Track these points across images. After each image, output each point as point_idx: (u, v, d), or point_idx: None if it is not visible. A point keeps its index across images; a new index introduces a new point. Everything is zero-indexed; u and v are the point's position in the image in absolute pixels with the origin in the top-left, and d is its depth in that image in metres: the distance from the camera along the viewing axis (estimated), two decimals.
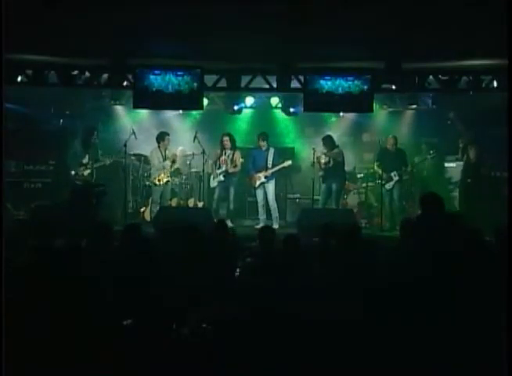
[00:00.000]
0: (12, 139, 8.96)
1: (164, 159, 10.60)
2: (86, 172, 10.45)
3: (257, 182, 10.52)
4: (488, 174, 10.23)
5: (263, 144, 10.54)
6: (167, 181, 10.62)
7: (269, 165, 10.47)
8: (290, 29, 7.16)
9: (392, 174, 10.36)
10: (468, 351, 3.38)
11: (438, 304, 3.67)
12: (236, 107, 11.39)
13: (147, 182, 11.00)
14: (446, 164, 11.50)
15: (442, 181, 11.27)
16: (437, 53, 8.50)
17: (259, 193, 10.58)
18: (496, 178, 9.99)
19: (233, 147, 10.61)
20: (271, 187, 10.52)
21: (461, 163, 10.90)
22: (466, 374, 3.34)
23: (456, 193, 10.89)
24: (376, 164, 10.60)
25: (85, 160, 10.46)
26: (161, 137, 10.62)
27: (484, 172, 10.31)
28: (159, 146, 10.62)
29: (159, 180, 10.55)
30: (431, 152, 11.09)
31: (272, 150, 10.56)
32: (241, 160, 10.66)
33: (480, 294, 3.76)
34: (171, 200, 10.86)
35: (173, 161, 10.62)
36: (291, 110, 11.25)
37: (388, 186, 10.40)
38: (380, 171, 10.46)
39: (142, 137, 11.00)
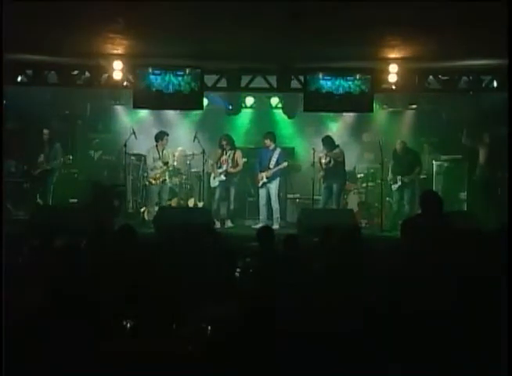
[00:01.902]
0: (13, 139, 8.99)
1: (160, 158, 10.47)
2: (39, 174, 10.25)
3: (260, 182, 10.52)
4: (496, 174, 10.14)
5: (269, 144, 10.51)
6: (164, 180, 10.49)
7: (271, 165, 10.45)
8: (290, 29, 7.15)
9: (398, 177, 10.33)
10: (469, 350, 3.38)
11: (438, 305, 3.67)
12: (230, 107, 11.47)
13: (147, 182, 10.96)
14: (450, 165, 11.43)
15: (446, 182, 11.22)
16: (437, 53, 8.50)
17: (261, 193, 10.56)
18: (504, 178, 9.92)
19: (233, 147, 10.58)
20: (273, 187, 10.48)
21: (465, 163, 10.89)
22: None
23: (462, 194, 10.89)
24: (390, 166, 10.50)
25: (41, 159, 10.27)
26: (160, 136, 10.48)
27: (492, 173, 10.25)
28: (156, 145, 10.50)
29: (155, 179, 10.46)
30: (419, 171, 10.72)
31: (278, 150, 10.51)
32: (243, 160, 10.62)
33: (479, 295, 3.76)
34: (171, 200, 10.83)
35: (167, 162, 10.48)
36: (294, 113, 11.34)
37: (393, 187, 10.40)
38: (387, 173, 10.42)
39: (142, 137, 10.98)
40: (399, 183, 10.32)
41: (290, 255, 5.36)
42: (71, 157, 10.55)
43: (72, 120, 11.78)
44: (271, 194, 10.46)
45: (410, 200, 10.29)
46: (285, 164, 10.44)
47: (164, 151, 10.53)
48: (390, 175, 10.47)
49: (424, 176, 11.07)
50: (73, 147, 11.48)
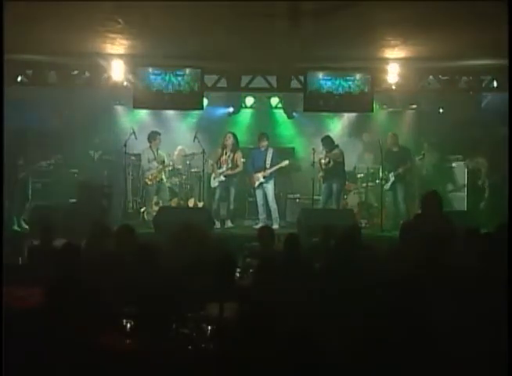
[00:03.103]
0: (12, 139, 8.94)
1: (155, 159, 10.42)
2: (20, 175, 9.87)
3: (256, 183, 10.47)
4: (496, 174, 10.12)
5: (263, 144, 10.49)
6: (160, 179, 10.45)
7: (268, 165, 10.41)
8: (290, 29, 7.15)
9: (390, 174, 10.34)
10: (470, 352, 3.38)
11: (437, 304, 3.67)
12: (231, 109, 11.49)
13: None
14: (449, 165, 11.42)
15: (445, 181, 11.21)
16: (437, 53, 8.50)
17: (258, 193, 10.54)
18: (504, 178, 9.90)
19: (235, 147, 10.47)
20: (270, 187, 10.45)
21: (463, 163, 10.88)
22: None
23: (461, 194, 10.89)
24: (381, 165, 10.53)
25: (21, 162, 9.86)
26: (152, 136, 10.44)
27: (492, 173, 10.22)
28: (150, 146, 10.47)
29: (150, 180, 10.41)
30: (420, 157, 10.82)
31: (270, 150, 10.48)
32: (243, 160, 10.61)
33: (479, 294, 3.76)
34: (170, 200, 10.82)
35: (163, 161, 10.46)
36: (294, 113, 11.36)
37: (386, 186, 10.39)
38: (381, 172, 10.42)
39: (142, 137, 10.97)
40: (392, 179, 10.32)
41: (290, 255, 5.35)
42: (60, 157, 10.45)
43: (72, 120, 11.75)
44: (268, 194, 10.43)
45: (405, 197, 10.31)
46: (286, 162, 10.40)
47: (159, 151, 10.51)
48: (380, 173, 10.45)
49: (423, 175, 11.09)
50: (72, 147, 11.45)
